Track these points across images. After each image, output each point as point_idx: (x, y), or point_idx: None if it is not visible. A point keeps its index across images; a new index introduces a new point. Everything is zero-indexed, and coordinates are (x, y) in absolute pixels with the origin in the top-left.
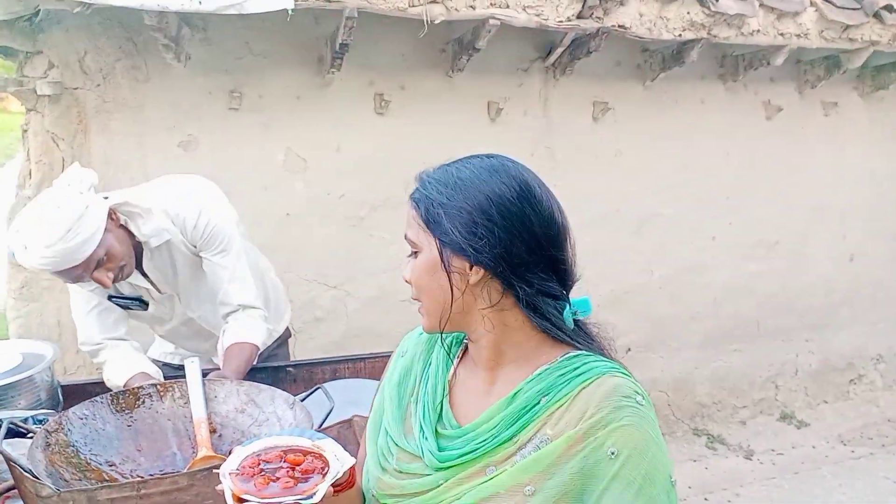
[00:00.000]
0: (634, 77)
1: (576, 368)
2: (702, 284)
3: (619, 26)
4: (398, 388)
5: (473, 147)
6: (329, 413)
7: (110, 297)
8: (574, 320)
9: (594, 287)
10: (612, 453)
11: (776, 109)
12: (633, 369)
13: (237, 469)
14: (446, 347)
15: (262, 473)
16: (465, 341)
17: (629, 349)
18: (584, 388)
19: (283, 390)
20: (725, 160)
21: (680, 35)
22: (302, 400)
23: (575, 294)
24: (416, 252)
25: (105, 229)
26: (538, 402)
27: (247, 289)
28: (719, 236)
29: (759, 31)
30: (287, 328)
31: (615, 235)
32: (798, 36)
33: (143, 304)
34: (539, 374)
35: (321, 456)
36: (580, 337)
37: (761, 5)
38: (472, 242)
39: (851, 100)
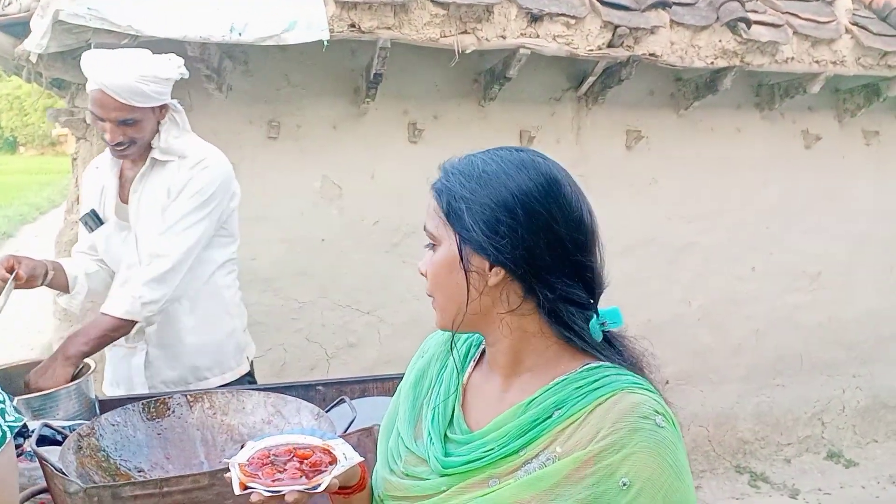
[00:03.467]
0: (668, 106)
1: (595, 381)
2: (743, 316)
3: (650, 55)
4: (413, 389)
5: None
6: (352, 422)
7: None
8: (604, 332)
9: (631, 317)
10: (624, 484)
11: (815, 138)
12: (672, 403)
13: (247, 461)
14: (462, 350)
15: (272, 465)
16: (482, 346)
17: (668, 381)
18: (599, 403)
19: None
20: (764, 189)
21: (712, 63)
22: (326, 411)
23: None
24: (434, 245)
25: (153, 111)
26: (551, 416)
27: (173, 237)
28: (760, 266)
29: (793, 58)
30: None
31: (651, 264)
32: (834, 63)
33: (97, 219)
34: (556, 384)
35: (330, 452)
36: (606, 348)
37: (795, 33)
38: (493, 241)
39: (894, 128)
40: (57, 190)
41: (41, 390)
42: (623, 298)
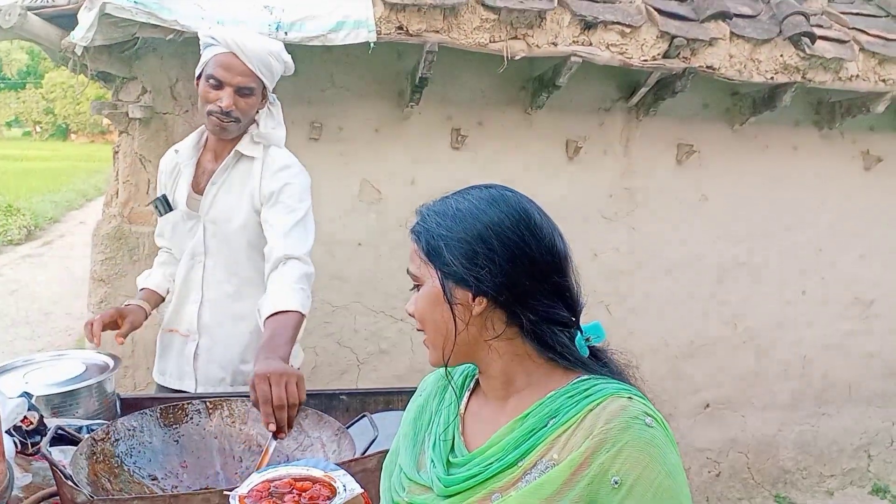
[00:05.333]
0: (722, 120)
1: (585, 391)
2: (790, 341)
3: (707, 67)
4: (413, 424)
5: (550, 185)
6: (373, 442)
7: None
8: (590, 347)
9: (673, 337)
10: (616, 482)
11: (875, 160)
12: (711, 427)
13: (247, 492)
14: (458, 381)
15: (271, 497)
16: (476, 375)
17: (708, 405)
18: (591, 409)
19: (334, 418)
20: (819, 211)
21: (772, 78)
22: (347, 427)
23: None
24: (418, 286)
25: (261, 94)
26: (545, 425)
27: (300, 241)
28: (810, 291)
29: (858, 76)
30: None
31: (697, 284)
32: None
33: (167, 205)
34: (549, 397)
35: (330, 486)
36: (592, 363)
37: (861, 49)
38: (473, 273)
39: None
40: (104, 178)
41: (287, 403)
42: (666, 318)
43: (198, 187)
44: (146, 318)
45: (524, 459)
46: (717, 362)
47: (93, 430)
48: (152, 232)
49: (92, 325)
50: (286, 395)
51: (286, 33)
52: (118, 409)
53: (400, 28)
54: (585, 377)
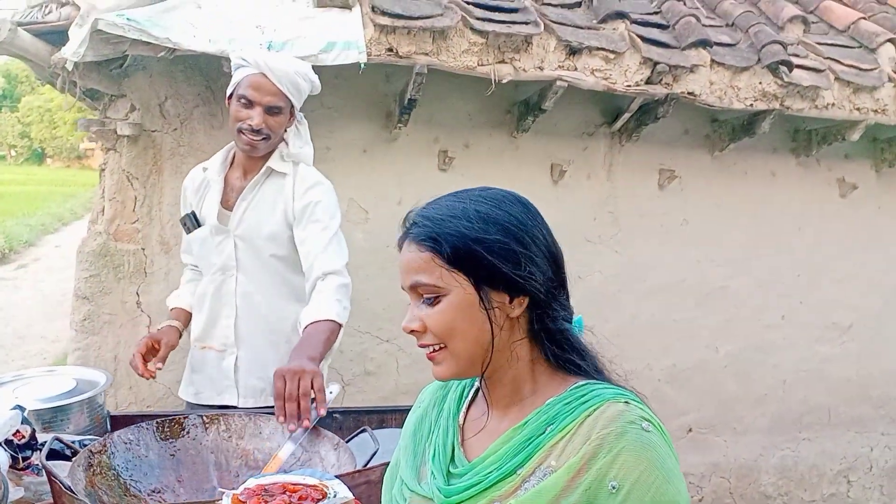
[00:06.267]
0: (703, 146)
1: (582, 396)
2: (770, 365)
3: (689, 93)
4: (413, 437)
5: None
6: (374, 455)
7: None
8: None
9: (655, 360)
10: (614, 487)
11: (851, 187)
12: (693, 452)
13: (240, 492)
14: (457, 391)
15: (262, 495)
16: (475, 384)
17: (690, 429)
18: (588, 415)
19: None
20: (797, 236)
21: (751, 105)
22: (346, 441)
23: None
24: (437, 296)
25: (289, 113)
26: (543, 432)
27: (336, 256)
28: (789, 315)
29: (833, 104)
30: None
31: (679, 307)
32: (875, 111)
33: (195, 221)
34: (547, 405)
35: (322, 491)
36: (592, 368)
37: (837, 78)
38: (517, 273)
39: None
40: (80, 202)
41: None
42: (649, 341)
43: (227, 203)
44: (179, 336)
45: (523, 467)
46: (699, 386)
47: (85, 446)
48: (138, 250)
49: (137, 364)
50: (297, 389)
51: (276, 52)
52: (108, 426)
53: (390, 50)
54: (582, 383)
